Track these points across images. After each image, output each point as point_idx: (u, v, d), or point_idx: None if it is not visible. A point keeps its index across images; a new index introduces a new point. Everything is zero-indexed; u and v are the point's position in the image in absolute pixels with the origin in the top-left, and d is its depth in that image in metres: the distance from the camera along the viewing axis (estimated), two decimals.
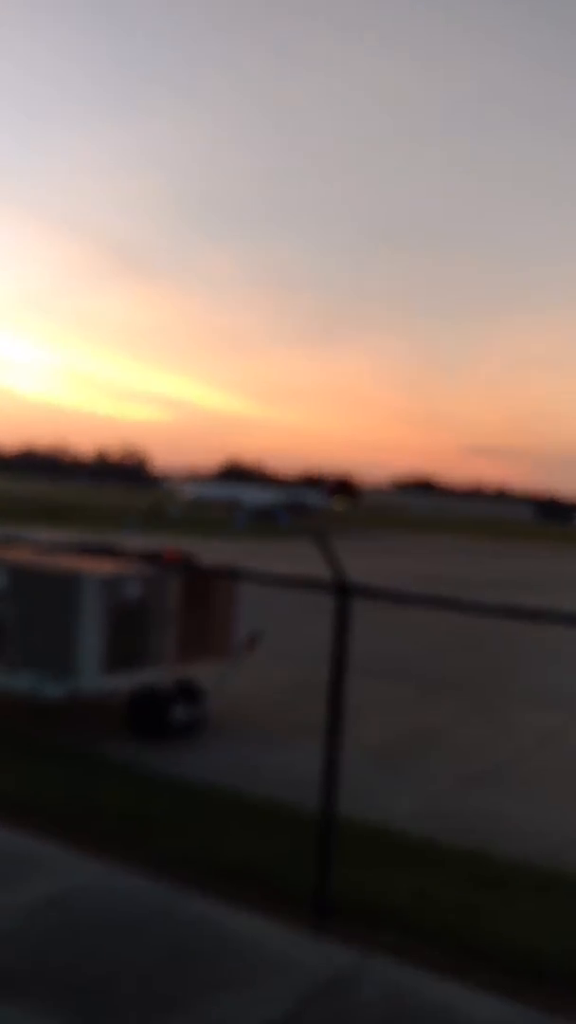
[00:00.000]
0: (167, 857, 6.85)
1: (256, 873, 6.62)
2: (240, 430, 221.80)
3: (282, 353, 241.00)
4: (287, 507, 70.06)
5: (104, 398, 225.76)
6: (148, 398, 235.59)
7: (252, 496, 73.71)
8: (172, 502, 72.93)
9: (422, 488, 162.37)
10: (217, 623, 10.86)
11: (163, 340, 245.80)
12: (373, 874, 6.79)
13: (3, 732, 9.77)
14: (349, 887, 6.35)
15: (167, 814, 7.68)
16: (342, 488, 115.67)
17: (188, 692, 10.48)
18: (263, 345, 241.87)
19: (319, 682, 7.84)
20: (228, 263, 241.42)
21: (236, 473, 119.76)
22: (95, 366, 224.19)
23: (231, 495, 74.84)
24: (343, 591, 6.02)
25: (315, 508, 75.05)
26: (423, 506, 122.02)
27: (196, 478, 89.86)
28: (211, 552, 21.26)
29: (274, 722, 11.24)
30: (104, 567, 9.99)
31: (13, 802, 7.70)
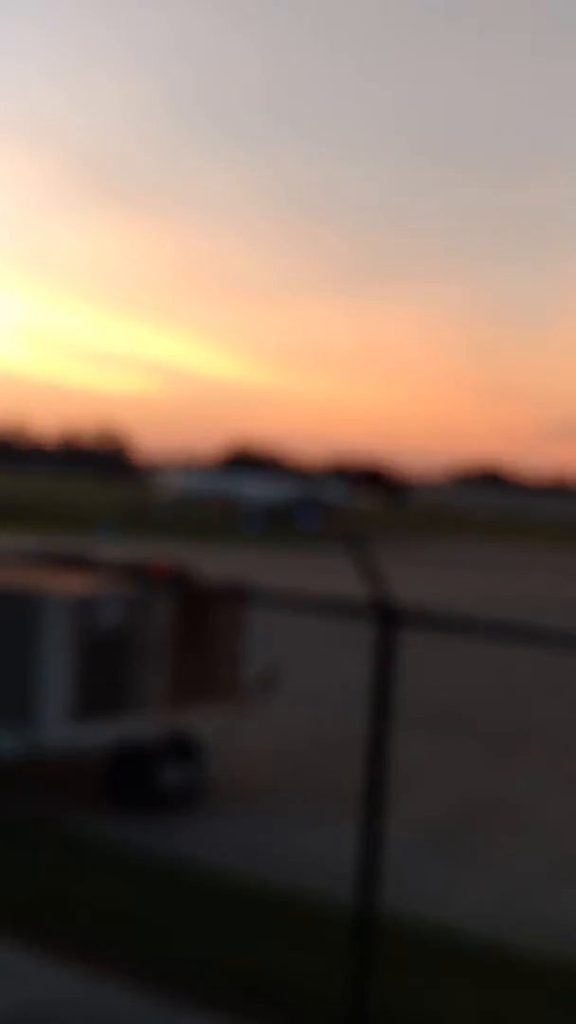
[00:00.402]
0: (160, 965, 6.86)
1: (275, 986, 6.64)
2: (251, 405, 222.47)
3: (305, 304, 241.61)
4: (301, 504, 70.11)
5: (74, 363, 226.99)
6: (131, 363, 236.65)
7: (254, 490, 73.91)
8: (159, 498, 73.27)
9: (488, 481, 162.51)
10: (221, 658, 10.88)
11: (150, 288, 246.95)
12: (427, 989, 6.80)
13: None
14: (395, 1005, 6.36)
15: (159, 909, 7.71)
16: (372, 479, 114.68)
17: (183, 748, 10.50)
18: (280, 294, 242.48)
19: (355, 736, 7.82)
20: (234, 187, 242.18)
21: (246, 461, 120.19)
22: (62, 322, 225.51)
23: (227, 489, 75.06)
24: (387, 617, 6.01)
25: (334, 506, 74.83)
26: (489, 505, 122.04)
27: (193, 467, 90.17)
28: (211, 564, 21.30)
29: (296, 788, 11.25)
30: (73, 585, 10.02)
31: None
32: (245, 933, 7.40)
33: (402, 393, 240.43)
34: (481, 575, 41.63)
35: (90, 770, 10.46)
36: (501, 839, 10.21)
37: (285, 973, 6.80)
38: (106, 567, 11.10)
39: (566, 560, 54.88)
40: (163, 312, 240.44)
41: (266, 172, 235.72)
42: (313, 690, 15.61)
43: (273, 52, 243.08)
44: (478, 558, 51.80)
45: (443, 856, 9.56)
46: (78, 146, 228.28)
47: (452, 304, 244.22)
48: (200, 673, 10.67)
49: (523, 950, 7.57)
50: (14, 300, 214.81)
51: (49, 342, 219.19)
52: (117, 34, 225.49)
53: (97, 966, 6.80)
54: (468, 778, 12.25)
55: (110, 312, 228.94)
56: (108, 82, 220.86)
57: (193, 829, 9.72)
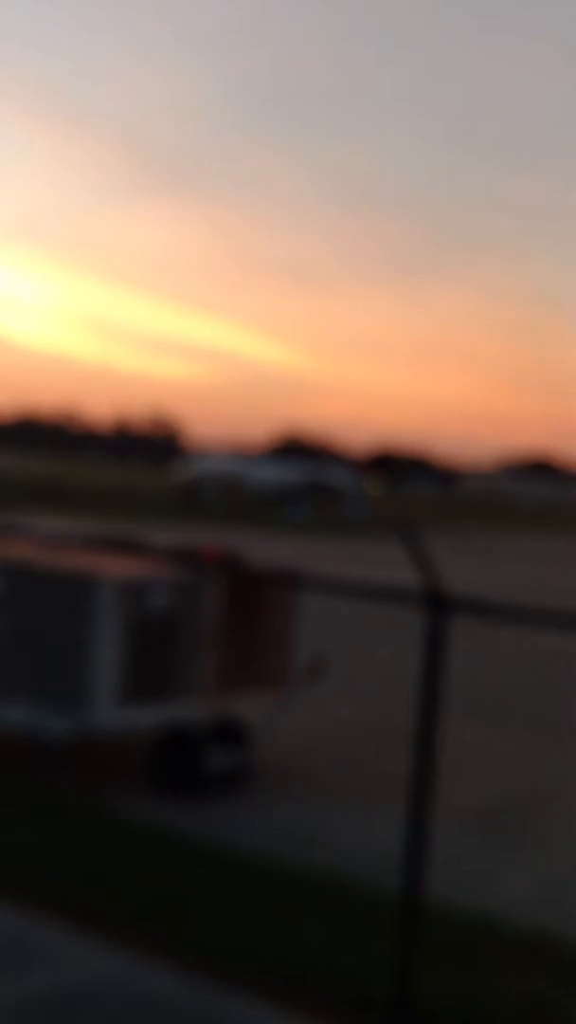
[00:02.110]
0: (202, 948, 6.87)
1: (319, 971, 6.62)
2: (302, 392, 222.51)
3: (355, 292, 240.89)
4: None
5: (126, 350, 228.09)
6: (183, 350, 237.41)
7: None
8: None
9: (539, 471, 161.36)
10: (269, 643, 10.86)
11: (203, 275, 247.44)
12: (473, 975, 6.76)
13: None
14: (440, 991, 6.32)
15: (202, 892, 7.71)
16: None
17: (229, 732, 10.50)
18: (332, 281, 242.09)
19: (402, 724, 7.78)
20: (284, 175, 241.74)
21: (297, 448, 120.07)
22: (115, 309, 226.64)
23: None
24: (437, 605, 5.96)
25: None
26: (540, 495, 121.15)
27: (243, 454, 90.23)
28: (257, 550, 21.35)
29: (344, 775, 11.22)
30: (124, 568, 10.04)
31: (5, 874, 7.78)
32: (290, 918, 7.39)
33: (453, 382, 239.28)
34: (527, 566, 41.33)
35: (137, 753, 10.48)
36: (550, 829, 10.13)
37: (329, 958, 6.78)
38: (157, 551, 11.12)
39: None
40: (214, 299, 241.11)
41: (317, 159, 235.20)
42: (361, 678, 15.56)
43: (326, 37, 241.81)
44: (529, 548, 51.43)
45: (490, 845, 9.50)
46: (130, 135, 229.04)
47: (504, 293, 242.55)
48: (249, 658, 10.67)
49: (572, 940, 7.51)
50: (68, 287, 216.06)
51: (102, 328, 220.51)
52: (170, 22, 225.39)
53: (140, 950, 6.81)
54: (517, 767, 12.17)
55: (162, 299, 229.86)
56: (161, 71, 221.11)
57: (239, 814, 9.72)
